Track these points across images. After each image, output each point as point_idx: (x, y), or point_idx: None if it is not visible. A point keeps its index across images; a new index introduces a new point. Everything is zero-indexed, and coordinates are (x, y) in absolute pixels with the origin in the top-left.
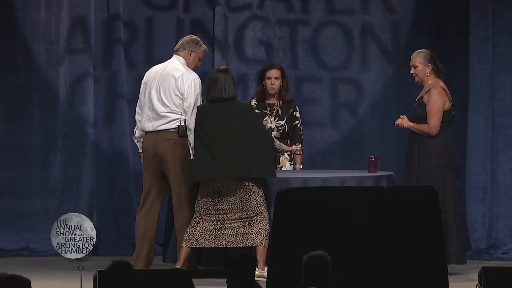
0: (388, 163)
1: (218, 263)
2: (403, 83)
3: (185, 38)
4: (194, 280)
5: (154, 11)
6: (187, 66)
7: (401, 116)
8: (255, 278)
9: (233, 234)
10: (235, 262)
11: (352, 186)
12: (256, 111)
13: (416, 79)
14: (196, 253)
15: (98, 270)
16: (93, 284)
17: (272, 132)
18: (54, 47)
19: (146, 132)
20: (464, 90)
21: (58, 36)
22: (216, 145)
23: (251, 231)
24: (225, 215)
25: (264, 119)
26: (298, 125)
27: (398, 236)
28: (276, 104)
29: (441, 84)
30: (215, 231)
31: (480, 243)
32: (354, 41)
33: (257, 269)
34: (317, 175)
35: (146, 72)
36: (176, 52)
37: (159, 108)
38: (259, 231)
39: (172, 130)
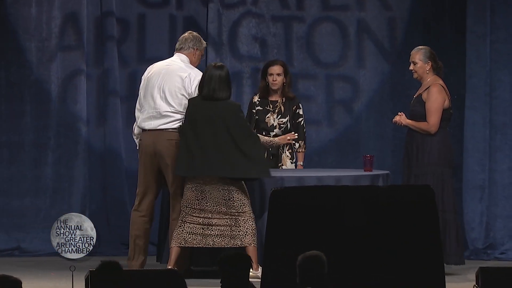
0: (384, 162)
1: (212, 263)
2: (399, 81)
3: (186, 35)
4: (187, 281)
5: (146, 8)
6: (192, 64)
7: (399, 113)
8: (249, 279)
9: (220, 235)
10: (229, 262)
11: (348, 185)
12: (259, 108)
13: (415, 75)
14: (189, 253)
15: (90, 271)
16: (85, 285)
17: (274, 130)
18: (45, 44)
19: (144, 130)
20: (460, 88)
21: (50, 33)
22: (199, 143)
23: (238, 231)
24: (210, 214)
25: (267, 116)
26: (301, 123)
27: (394, 235)
28: (279, 101)
29: (440, 82)
30: (202, 230)
31: (478, 243)
32: (350, 37)
33: (251, 269)
34: (312, 174)
35: (148, 68)
36: (180, 50)
37: (163, 107)
38: (246, 231)
39: (173, 130)
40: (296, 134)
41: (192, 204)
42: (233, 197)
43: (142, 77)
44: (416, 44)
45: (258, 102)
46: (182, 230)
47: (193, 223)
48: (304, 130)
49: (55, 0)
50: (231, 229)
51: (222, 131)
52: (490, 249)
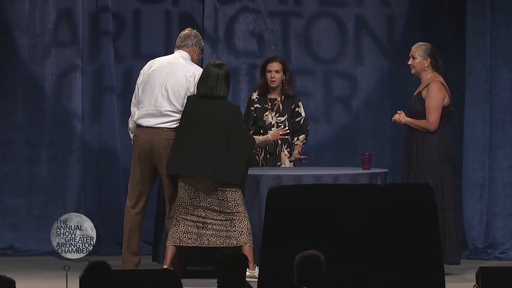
0: (383, 160)
1: (208, 263)
2: (398, 78)
3: (188, 32)
4: (183, 280)
5: (142, 4)
6: (193, 61)
7: (398, 111)
8: (246, 279)
9: (216, 235)
10: (226, 262)
11: (346, 184)
12: (257, 105)
13: (413, 71)
14: (185, 253)
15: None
16: (79, 285)
17: (272, 128)
18: (39, 40)
19: (141, 126)
20: (460, 85)
21: (44, 28)
22: (192, 140)
23: (233, 231)
24: (204, 213)
25: (265, 114)
26: (302, 121)
27: (393, 234)
28: (277, 99)
29: (440, 79)
30: (197, 229)
31: (478, 242)
32: (348, 34)
33: (247, 269)
34: (309, 172)
35: (148, 62)
36: (182, 47)
37: (164, 106)
38: (242, 231)
39: (171, 130)
40: (288, 129)
41: (185, 203)
42: (227, 197)
43: (141, 72)
44: (415, 41)
45: (256, 100)
46: (177, 229)
47: (187, 221)
48: (308, 128)
49: None
50: (226, 229)
51: (215, 131)
52: (490, 249)
